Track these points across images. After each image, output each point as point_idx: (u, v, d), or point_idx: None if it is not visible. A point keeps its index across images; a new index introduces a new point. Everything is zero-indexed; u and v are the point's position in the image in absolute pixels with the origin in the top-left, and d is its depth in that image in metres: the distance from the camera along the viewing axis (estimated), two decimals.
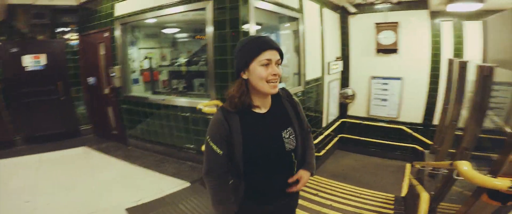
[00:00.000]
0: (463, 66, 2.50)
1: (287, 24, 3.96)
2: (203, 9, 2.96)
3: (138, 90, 4.26)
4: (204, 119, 3.18)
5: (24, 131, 4.31)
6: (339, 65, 5.18)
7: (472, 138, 1.96)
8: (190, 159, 3.53)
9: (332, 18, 4.97)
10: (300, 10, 3.80)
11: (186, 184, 2.98)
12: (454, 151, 2.40)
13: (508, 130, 1.44)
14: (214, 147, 1.05)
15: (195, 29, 4.58)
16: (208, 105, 2.78)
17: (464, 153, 2.00)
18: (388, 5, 4.81)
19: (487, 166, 1.64)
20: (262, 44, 1.02)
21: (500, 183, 0.93)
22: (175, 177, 3.15)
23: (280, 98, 1.16)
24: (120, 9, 3.84)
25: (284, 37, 4.05)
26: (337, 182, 3.94)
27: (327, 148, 4.96)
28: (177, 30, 4.82)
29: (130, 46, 4.21)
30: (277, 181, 1.14)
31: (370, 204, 3.02)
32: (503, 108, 1.97)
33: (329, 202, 2.88)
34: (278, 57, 1.04)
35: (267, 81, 1.02)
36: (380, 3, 4.86)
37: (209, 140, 1.06)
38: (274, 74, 1.02)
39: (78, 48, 4.64)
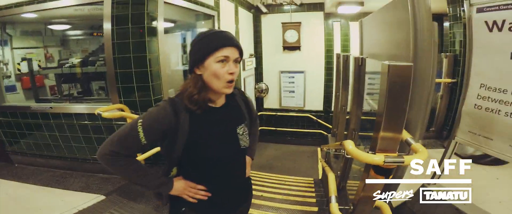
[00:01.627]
0: (345, 59, 2.99)
1: (203, 22, 3.88)
2: (100, 3, 2.59)
3: (17, 99, 3.42)
4: (108, 125, 2.81)
5: None
6: (253, 61, 5.45)
7: (356, 120, 2.33)
8: (100, 171, 3.07)
9: (246, 17, 5.16)
10: (215, 8, 3.79)
11: (101, 197, 2.58)
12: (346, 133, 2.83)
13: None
14: (141, 134, 0.89)
15: (93, 25, 3.96)
16: (108, 110, 2.46)
17: (353, 134, 2.37)
18: (293, 6, 5.33)
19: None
20: (221, 39, 0.94)
21: (378, 158, 1.03)
22: (86, 192, 2.70)
23: (234, 96, 1.09)
24: None
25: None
26: (264, 173, 4.15)
27: None
28: (68, 26, 4.06)
29: (0, 46, 3.33)
30: (236, 182, 1.11)
31: (295, 189, 3.28)
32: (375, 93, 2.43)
33: (259, 193, 2.99)
34: (237, 55, 0.97)
35: (223, 80, 0.94)
36: (286, 5, 5.33)
37: (140, 124, 0.89)
38: (231, 73, 0.94)
39: None
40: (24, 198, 2.63)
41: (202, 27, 3.86)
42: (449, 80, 3.61)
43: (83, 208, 2.42)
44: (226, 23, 4.14)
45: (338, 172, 2.66)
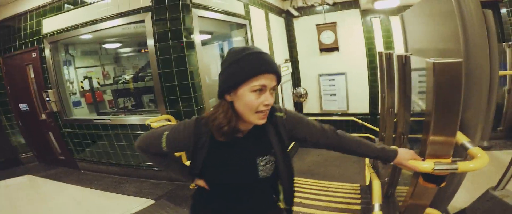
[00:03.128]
0: (388, 57, 2.80)
1: (237, 31, 4.01)
2: (142, 21, 2.85)
3: (81, 113, 3.92)
4: None
5: None
6: (289, 66, 5.41)
7: (404, 122, 2.16)
8: (151, 177, 3.36)
9: (278, 22, 5.18)
10: (246, 17, 3.89)
11: (150, 201, 2.83)
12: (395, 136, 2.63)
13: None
14: (163, 144, 0.95)
15: (140, 43, 4.31)
16: (156, 121, 2.66)
17: (401, 137, 2.19)
18: (326, 6, 5.18)
19: None
20: (259, 65, 0.81)
21: (427, 165, 0.93)
22: (138, 196, 2.98)
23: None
24: (48, 26, 3.47)
25: (236, 44, 4.09)
26: (305, 179, 4.04)
27: (289, 147, 5.08)
28: (119, 45, 4.54)
29: (65, 66, 3.85)
30: (244, 206, 1.03)
31: (338, 196, 3.12)
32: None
33: (298, 200, 2.93)
34: (275, 82, 0.85)
35: (256, 112, 0.84)
36: (318, 5, 5.21)
37: (165, 136, 0.94)
38: (266, 105, 0.84)
39: (1, 73, 4.09)
40: (86, 202, 2.98)
41: (237, 36, 3.97)
42: None
43: (135, 211, 2.65)
44: (258, 31, 4.20)
45: (386, 178, 2.47)
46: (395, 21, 4.77)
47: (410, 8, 2.47)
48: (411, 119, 2.16)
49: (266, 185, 1.03)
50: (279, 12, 5.29)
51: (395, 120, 2.72)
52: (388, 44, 4.93)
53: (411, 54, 1.97)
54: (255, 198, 1.03)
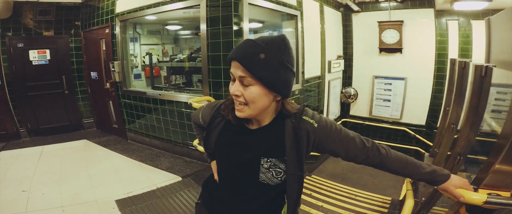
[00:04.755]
0: (463, 66, 2.40)
1: (287, 22, 3.91)
2: (198, 6, 2.97)
3: (140, 85, 4.33)
4: None
5: (29, 123, 4.43)
6: (341, 64, 5.09)
7: (466, 143, 1.87)
8: (185, 154, 3.55)
9: (334, 16, 4.88)
10: (298, 8, 3.75)
11: (178, 178, 2.99)
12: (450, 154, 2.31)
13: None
14: (199, 117, 1.08)
15: (197, 26, 4.55)
16: (199, 101, 2.77)
17: (457, 158, 1.92)
18: (393, 3, 4.68)
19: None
20: (232, 52, 0.78)
21: (477, 197, 0.82)
22: (168, 171, 3.17)
23: (284, 122, 0.87)
24: (120, 6, 3.89)
25: (286, 35, 4.00)
26: (334, 183, 3.87)
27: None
28: (179, 27, 4.86)
29: (132, 42, 4.28)
30: (235, 203, 0.94)
31: (363, 206, 2.94)
32: (503, 111, 1.87)
33: (320, 203, 2.82)
34: (241, 73, 0.76)
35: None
36: (384, 1, 4.74)
37: (202, 110, 1.09)
38: (232, 94, 0.79)
39: (81, 44, 4.74)
40: (123, 171, 3.25)
41: (287, 27, 3.87)
42: None
43: (161, 186, 2.83)
44: (310, 23, 4.01)
45: (423, 198, 2.20)
46: (477, 26, 4.08)
47: (500, 12, 2.08)
48: (477, 138, 1.86)
49: (265, 192, 0.90)
50: (337, 6, 4.97)
51: (455, 136, 2.38)
52: (464, 51, 4.26)
53: (494, 66, 1.66)
54: (252, 202, 0.92)
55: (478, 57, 3.95)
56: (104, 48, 4.34)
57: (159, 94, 3.65)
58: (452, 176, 0.88)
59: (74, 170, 3.21)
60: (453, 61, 3.00)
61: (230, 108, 0.88)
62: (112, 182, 2.94)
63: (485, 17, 4.04)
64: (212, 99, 2.91)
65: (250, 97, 0.76)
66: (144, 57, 4.52)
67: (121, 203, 2.49)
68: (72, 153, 3.81)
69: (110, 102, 4.47)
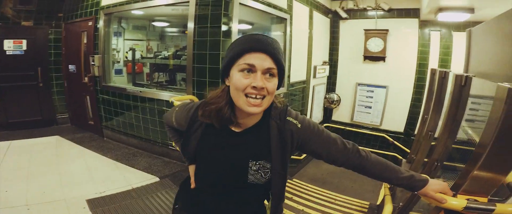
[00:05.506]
0: (443, 76, 2.48)
1: (276, 25, 3.91)
2: (187, 2, 2.90)
3: (121, 81, 4.16)
4: None
5: None
6: (326, 69, 5.16)
7: (443, 149, 1.93)
8: (164, 154, 3.44)
9: (322, 22, 4.94)
10: (288, 11, 3.76)
11: (155, 179, 2.89)
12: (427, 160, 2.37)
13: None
14: (173, 118, 1.02)
15: (185, 24, 4.49)
16: (181, 100, 2.69)
17: (434, 164, 1.97)
18: (380, 12, 4.81)
19: (456, 178, 1.59)
20: (247, 42, 0.75)
21: (457, 202, 0.83)
22: (145, 172, 3.06)
23: (268, 121, 0.85)
24: None
25: (275, 38, 3.99)
26: (314, 187, 3.88)
27: (302, 157, 4.90)
28: (166, 24, 4.75)
29: (116, 36, 4.12)
30: (220, 205, 0.92)
31: (342, 211, 2.97)
32: (482, 121, 1.93)
33: (301, 207, 2.82)
34: (270, 65, 0.74)
35: (246, 95, 0.75)
36: (371, 10, 4.86)
37: (175, 111, 1.02)
38: (255, 87, 0.73)
39: (61, 36, 4.51)
40: (96, 169, 3.09)
41: (276, 30, 3.87)
42: None
43: (137, 186, 2.71)
44: (299, 27, 4.03)
45: (401, 203, 2.25)
46: (457, 37, 4.26)
47: (481, 24, 2.16)
48: (453, 146, 1.92)
49: (254, 192, 0.90)
50: (326, 12, 5.04)
51: (432, 143, 2.45)
52: (445, 62, 4.44)
53: (474, 76, 1.71)
54: (240, 203, 0.92)
55: (457, 68, 4.11)
56: (85, 41, 4.15)
57: (140, 91, 3.53)
58: (431, 180, 0.88)
59: (43, 168, 3.01)
60: (433, 71, 3.10)
61: (213, 114, 0.83)
62: (84, 181, 2.78)
63: (466, 29, 4.23)
64: (196, 99, 2.84)
65: (273, 89, 0.76)
66: (127, 52, 4.36)
67: (92, 203, 2.35)
68: (43, 150, 3.58)
69: (87, 97, 4.27)
